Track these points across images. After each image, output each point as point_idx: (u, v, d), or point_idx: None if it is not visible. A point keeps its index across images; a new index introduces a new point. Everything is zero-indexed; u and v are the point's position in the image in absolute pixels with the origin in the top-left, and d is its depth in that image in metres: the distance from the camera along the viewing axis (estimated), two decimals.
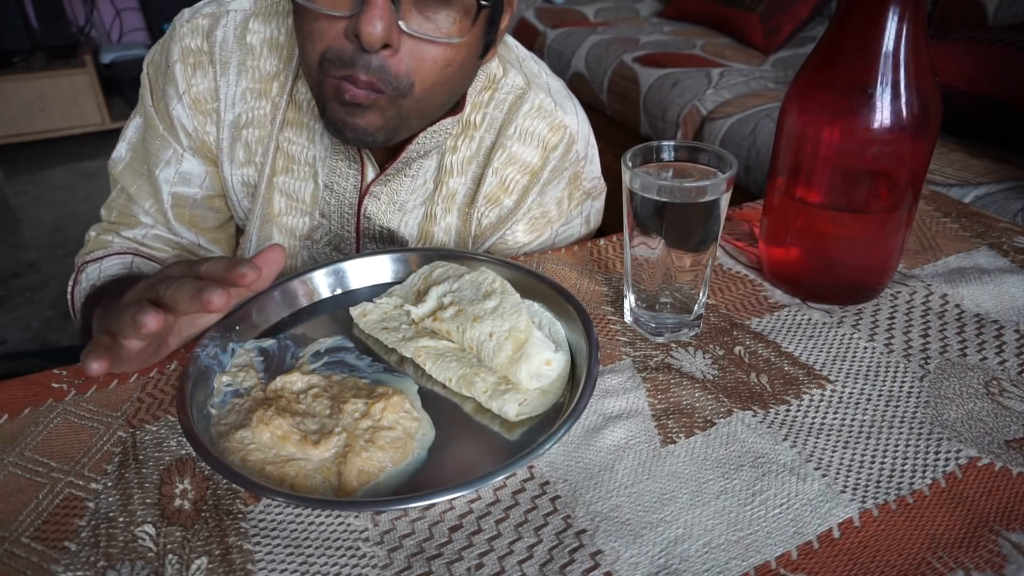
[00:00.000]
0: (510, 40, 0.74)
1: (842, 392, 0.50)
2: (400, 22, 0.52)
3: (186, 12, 0.67)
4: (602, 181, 0.78)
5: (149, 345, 0.49)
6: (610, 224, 0.81)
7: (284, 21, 0.66)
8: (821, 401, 0.49)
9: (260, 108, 0.67)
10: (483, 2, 0.54)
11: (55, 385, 0.52)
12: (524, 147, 0.70)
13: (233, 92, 0.67)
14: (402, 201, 0.71)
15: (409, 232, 0.72)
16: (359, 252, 0.73)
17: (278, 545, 0.40)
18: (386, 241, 0.73)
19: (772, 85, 1.71)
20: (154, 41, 0.74)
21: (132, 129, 0.71)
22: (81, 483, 0.44)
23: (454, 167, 0.70)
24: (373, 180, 0.68)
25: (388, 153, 0.68)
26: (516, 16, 2.50)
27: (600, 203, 0.79)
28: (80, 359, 0.43)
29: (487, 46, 0.61)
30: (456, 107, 0.66)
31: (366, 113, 0.56)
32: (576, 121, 0.73)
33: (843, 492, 0.42)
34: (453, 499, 0.42)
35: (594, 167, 0.76)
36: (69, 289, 0.67)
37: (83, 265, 0.67)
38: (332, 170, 0.68)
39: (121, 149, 0.71)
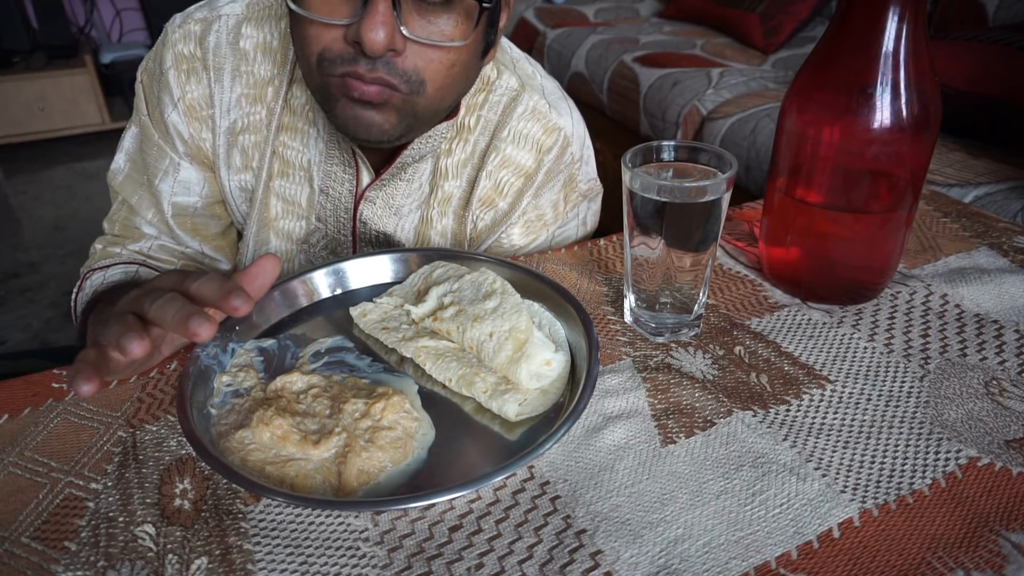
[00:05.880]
0: (504, 42, 0.74)
1: (842, 392, 0.50)
2: (402, 27, 0.51)
3: (177, 17, 0.66)
4: (598, 183, 0.78)
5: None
6: (610, 224, 0.80)
7: (277, 25, 0.66)
8: (821, 401, 0.49)
9: (255, 113, 0.67)
10: (485, 3, 0.53)
11: (55, 385, 0.52)
12: (518, 150, 0.70)
13: (228, 98, 0.66)
14: (398, 205, 0.70)
15: (405, 236, 0.72)
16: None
17: (278, 545, 0.40)
18: (382, 245, 0.73)
19: (772, 85, 1.72)
20: (154, 41, 0.74)
21: (129, 139, 0.70)
22: (81, 483, 0.44)
23: (449, 170, 0.70)
24: (369, 185, 0.68)
25: (383, 158, 0.68)
26: (516, 16, 2.50)
27: (597, 205, 0.79)
28: (68, 381, 0.41)
29: (487, 46, 0.61)
30: (451, 111, 0.66)
31: (382, 111, 0.55)
32: (571, 123, 0.72)
33: (843, 492, 0.42)
34: (453, 499, 0.42)
35: (590, 169, 0.76)
36: (73, 296, 0.67)
37: (89, 273, 0.67)
38: (327, 175, 0.68)
39: (119, 160, 0.70)
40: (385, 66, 0.53)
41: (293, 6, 0.53)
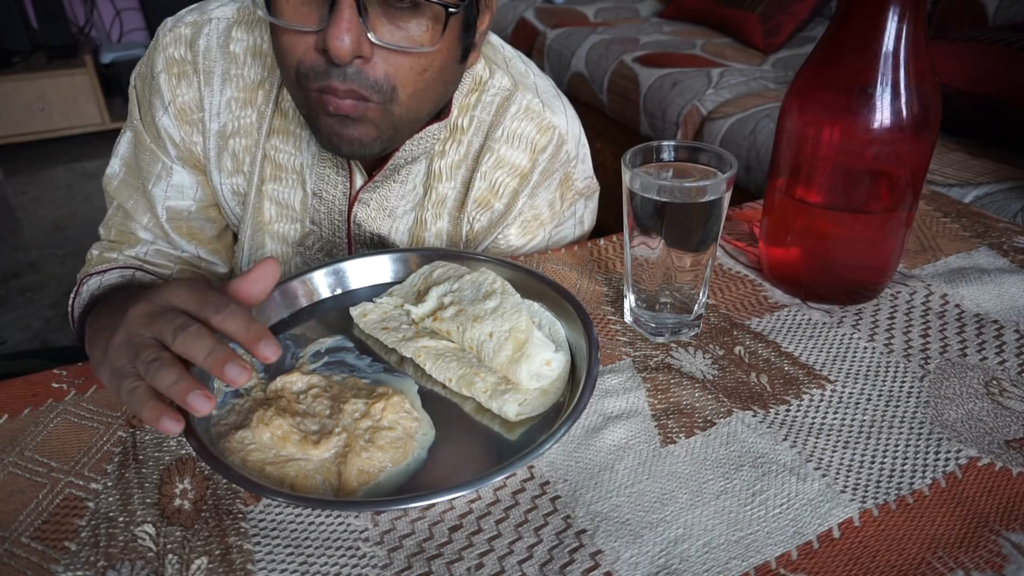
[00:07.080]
0: (496, 40, 0.73)
1: (842, 392, 0.50)
2: (369, 33, 0.51)
3: (168, 21, 0.66)
4: (595, 181, 0.77)
5: None
6: (610, 224, 0.80)
7: (267, 29, 0.66)
8: (821, 401, 0.49)
9: (246, 117, 0.67)
10: (451, 9, 0.52)
11: (55, 385, 0.52)
12: (512, 150, 0.69)
13: (218, 102, 0.66)
14: (392, 207, 0.70)
15: (400, 238, 0.72)
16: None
17: (278, 545, 0.40)
18: (377, 247, 0.72)
19: (772, 85, 1.71)
20: None
21: (123, 144, 0.70)
22: (81, 483, 0.44)
23: (443, 172, 0.70)
24: (362, 187, 0.68)
25: (376, 160, 0.68)
26: (516, 16, 2.50)
27: (594, 203, 0.79)
28: (150, 423, 0.40)
29: (466, 50, 0.60)
30: (443, 112, 0.65)
31: (359, 124, 0.55)
32: (565, 121, 0.71)
33: (843, 492, 0.42)
34: (453, 499, 0.42)
35: (586, 167, 0.75)
36: (71, 301, 0.67)
37: (85, 278, 0.67)
38: (320, 178, 0.68)
39: (115, 165, 0.70)
40: (356, 76, 0.53)
41: (263, 13, 0.53)
